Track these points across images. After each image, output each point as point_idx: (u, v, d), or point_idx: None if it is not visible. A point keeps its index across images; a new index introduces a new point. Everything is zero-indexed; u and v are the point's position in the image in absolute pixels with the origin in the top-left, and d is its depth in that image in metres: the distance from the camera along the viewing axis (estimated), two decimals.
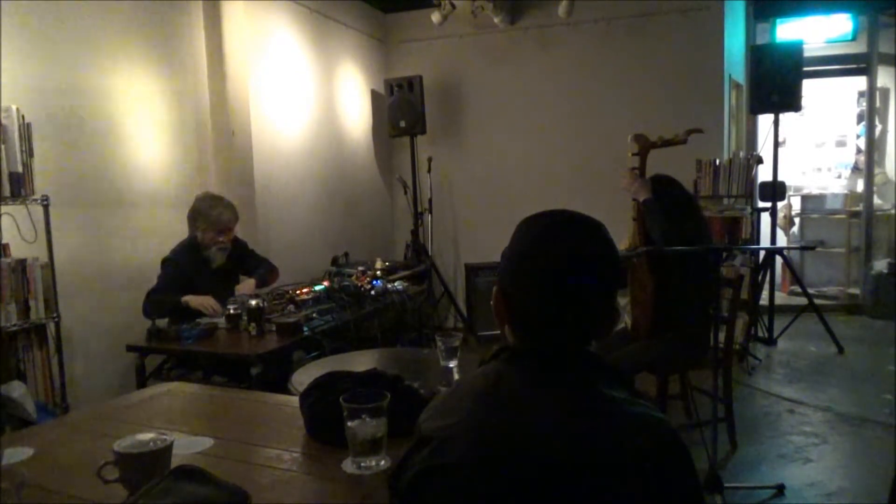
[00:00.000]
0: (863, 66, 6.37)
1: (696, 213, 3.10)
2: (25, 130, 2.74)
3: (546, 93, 5.79)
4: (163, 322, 3.04)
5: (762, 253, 5.29)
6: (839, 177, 7.34)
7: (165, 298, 3.14)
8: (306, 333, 2.94)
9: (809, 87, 5.57)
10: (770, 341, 5.15)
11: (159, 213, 3.82)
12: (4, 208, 2.70)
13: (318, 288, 3.45)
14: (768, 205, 5.19)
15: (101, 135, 3.46)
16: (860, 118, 6.96)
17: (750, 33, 6.32)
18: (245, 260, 3.58)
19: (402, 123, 5.56)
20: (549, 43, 5.75)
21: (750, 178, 4.92)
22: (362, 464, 1.32)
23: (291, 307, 3.22)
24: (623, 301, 3.13)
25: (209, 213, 3.31)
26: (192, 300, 3.14)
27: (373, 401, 1.31)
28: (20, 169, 2.72)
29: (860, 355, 4.88)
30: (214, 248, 3.34)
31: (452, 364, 2.18)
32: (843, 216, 6.80)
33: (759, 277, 4.99)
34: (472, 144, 6.06)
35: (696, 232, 2.93)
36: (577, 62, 5.69)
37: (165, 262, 3.31)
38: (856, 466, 3.14)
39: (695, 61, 5.37)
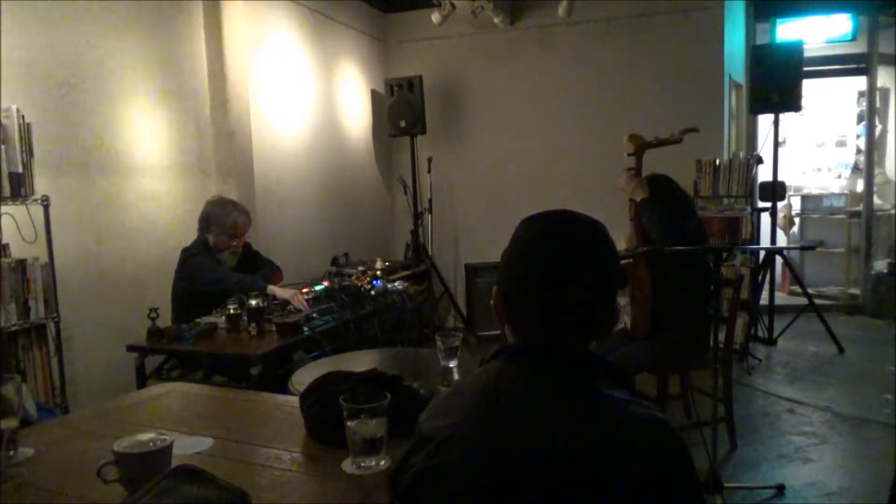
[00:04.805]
0: (863, 66, 6.37)
1: (693, 213, 3.11)
2: (25, 130, 2.73)
3: (546, 93, 5.79)
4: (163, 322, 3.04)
5: (762, 253, 5.30)
6: (839, 177, 7.34)
7: (247, 280, 3.16)
8: (306, 333, 2.93)
9: (809, 87, 5.57)
10: (770, 341, 5.15)
11: (159, 214, 3.82)
12: (4, 208, 2.70)
13: (318, 288, 3.44)
14: (768, 205, 5.19)
15: (101, 135, 3.45)
16: (860, 118, 6.96)
17: (750, 33, 6.32)
18: (251, 261, 3.57)
19: (402, 123, 5.56)
20: (549, 43, 5.75)
21: (750, 178, 4.92)
22: (362, 464, 1.32)
23: (291, 307, 3.22)
24: (623, 301, 3.13)
25: (224, 218, 3.26)
26: (279, 291, 3.18)
27: (373, 401, 1.31)
28: (20, 169, 2.72)
29: (860, 355, 4.88)
30: (227, 252, 3.33)
31: (452, 364, 2.18)
32: (843, 216, 6.80)
33: (759, 277, 4.99)
34: (472, 144, 6.06)
35: (694, 231, 2.94)
36: (577, 62, 5.69)
37: (196, 255, 3.22)
38: (856, 466, 3.14)
39: (695, 61, 5.37)
